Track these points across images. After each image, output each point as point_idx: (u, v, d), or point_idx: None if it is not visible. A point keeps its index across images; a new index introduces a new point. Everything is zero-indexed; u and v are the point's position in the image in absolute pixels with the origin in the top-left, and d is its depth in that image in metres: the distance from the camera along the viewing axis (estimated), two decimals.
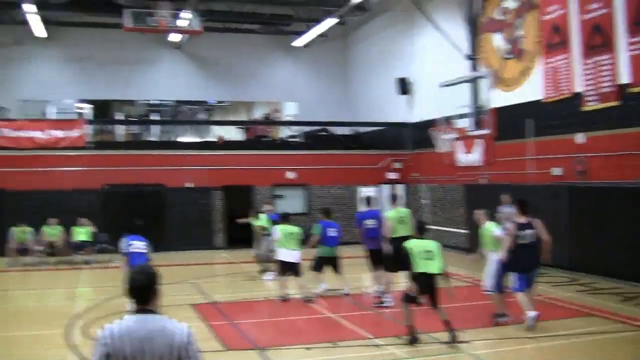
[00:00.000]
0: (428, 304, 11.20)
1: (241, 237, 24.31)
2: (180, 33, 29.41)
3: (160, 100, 34.73)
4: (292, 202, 28.09)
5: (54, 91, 30.51)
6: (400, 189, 27.94)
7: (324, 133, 32.02)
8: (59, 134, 26.09)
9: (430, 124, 25.20)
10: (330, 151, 29.17)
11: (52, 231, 23.48)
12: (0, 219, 24.15)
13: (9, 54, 31.14)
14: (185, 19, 26.30)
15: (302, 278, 15.64)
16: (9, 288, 18.88)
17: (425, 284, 11.06)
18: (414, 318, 11.21)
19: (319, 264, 15.87)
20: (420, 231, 11.66)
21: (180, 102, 35.99)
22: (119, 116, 33.36)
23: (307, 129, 32.18)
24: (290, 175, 28.34)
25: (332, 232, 15.76)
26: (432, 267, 11.08)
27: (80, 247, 23.43)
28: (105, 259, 23.32)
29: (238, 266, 20.54)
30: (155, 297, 4.50)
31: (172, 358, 4.34)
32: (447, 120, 24.26)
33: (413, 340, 11.07)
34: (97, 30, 31.43)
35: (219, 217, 27.40)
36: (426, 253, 11.12)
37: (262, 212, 19.72)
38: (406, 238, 12.45)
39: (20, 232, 23.17)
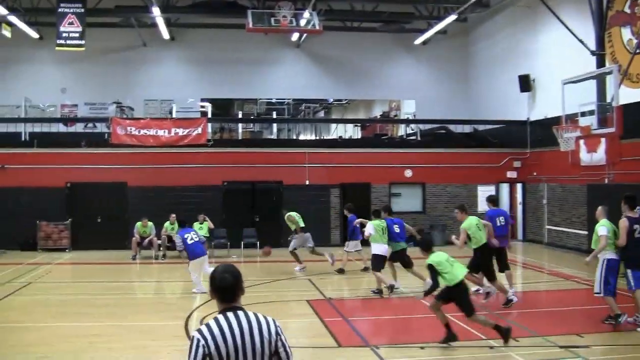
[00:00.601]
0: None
1: None
2: (301, 32, 29.66)
3: (280, 99, 35.14)
4: (409, 200, 27.91)
5: (178, 91, 31.36)
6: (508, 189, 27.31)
7: (443, 131, 31.61)
8: (181, 132, 26.77)
9: (552, 121, 24.42)
10: (448, 149, 28.75)
11: (172, 226, 24.12)
12: (124, 213, 25.00)
13: (137, 55, 32.39)
14: (306, 18, 26.48)
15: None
16: (131, 279, 19.50)
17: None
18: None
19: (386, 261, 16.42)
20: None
21: (299, 101, 36.29)
22: (239, 114, 33.94)
23: (425, 126, 31.82)
24: (407, 173, 28.13)
25: (396, 228, 16.39)
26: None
27: None
28: (223, 254, 23.81)
29: (354, 263, 20.51)
30: (241, 293, 4.54)
31: (268, 352, 4.40)
32: (570, 118, 23.46)
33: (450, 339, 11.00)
34: (219, 31, 32.14)
35: (335, 215, 27.47)
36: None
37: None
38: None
39: (142, 227, 24.03)
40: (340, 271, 19.59)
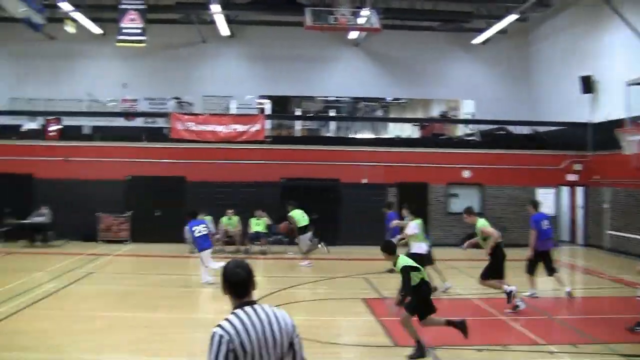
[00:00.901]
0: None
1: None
2: (360, 31, 29.54)
3: (338, 97, 35.12)
4: (466, 201, 27.58)
5: (236, 87, 31.59)
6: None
7: (502, 132, 31.22)
8: (239, 128, 26.97)
9: (615, 124, 24.01)
10: (507, 150, 28.38)
11: (230, 221, 24.33)
12: (182, 207, 25.27)
13: (196, 52, 32.72)
14: (364, 16, 26.40)
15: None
16: (188, 273, 19.66)
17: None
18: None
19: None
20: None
21: (357, 99, 36.21)
22: (297, 112, 34.03)
23: (484, 127, 31.47)
24: (465, 174, 27.90)
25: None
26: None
27: (256, 237, 24.13)
28: (280, 250, 23.91)
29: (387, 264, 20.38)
30: (254, 288, 4.62)
31: (286, 344, 4.48)
32: (635, 120, 22.99)
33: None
34: (278, 28, 32.26)
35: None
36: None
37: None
38: None
39: (228, 220, 24.48)
40: (391, 271, 19.44)
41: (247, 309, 4.49)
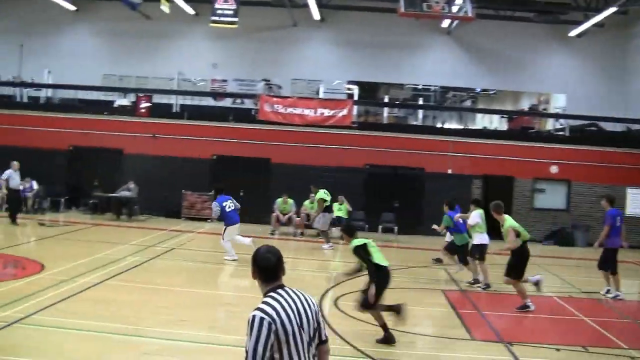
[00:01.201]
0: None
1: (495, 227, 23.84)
2: (453, 19, 29.15)
3: (426, 85, 34.81)
4: (552, 197, 27.17)
5: (325, 71, 31.63)
6: None
7: (593, 128, 30.44)
8: (327, 112, 27.04)
9: None
10: (597, 147, 27.65)
11: (312, 205, 24.40)
12: (266, 189, 25.46)
13: (287, 35, 32.81)
14: (458, 4, 26.04)
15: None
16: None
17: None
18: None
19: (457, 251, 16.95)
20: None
21: (445, 88, 35.82)
22: (385, 99, 33.86)
23: (574, 122, 30.70)
24: (553, 169, 27.33)
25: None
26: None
27: (337, 222, 24.12)
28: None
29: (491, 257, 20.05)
30: (283, 273, 4.76)
31: (315, 324, 4.69)
32: None
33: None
34: (369, 14, 32.03)
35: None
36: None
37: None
38: None
39: (283, 203, 24.48)
40: (438, 260, 19.18)
41: (281, 291, 4.65)
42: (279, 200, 24.67)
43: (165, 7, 28.31)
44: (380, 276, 10.42)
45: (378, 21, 31.84)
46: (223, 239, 17.81)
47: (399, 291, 14.00)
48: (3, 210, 24.37)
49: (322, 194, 22.14)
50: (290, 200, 24.69)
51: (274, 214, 24.43)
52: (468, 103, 39.07)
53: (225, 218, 17.85)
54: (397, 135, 27.73)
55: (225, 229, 17.83)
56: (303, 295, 4.72)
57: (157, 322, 10.84)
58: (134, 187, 25.92)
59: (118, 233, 21.92)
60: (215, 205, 18.03)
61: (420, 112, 33.20)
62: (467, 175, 27.04)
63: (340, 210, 24.19)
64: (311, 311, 4.66)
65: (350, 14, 32.59)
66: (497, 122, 34.24)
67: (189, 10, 30.99)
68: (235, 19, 26.78)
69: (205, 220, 26.07)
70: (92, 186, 26.33)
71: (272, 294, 4.62)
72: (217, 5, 26.74)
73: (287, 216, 24.55)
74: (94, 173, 26.85)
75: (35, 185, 26.20)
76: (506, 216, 14.02)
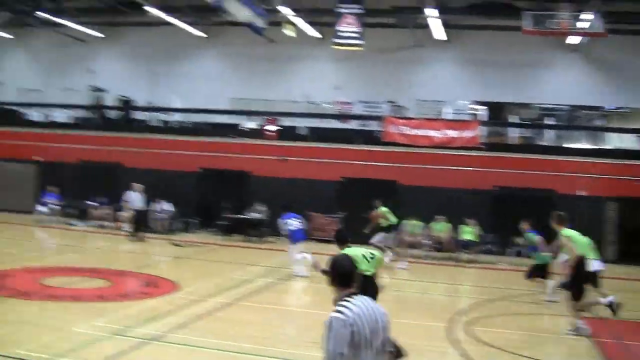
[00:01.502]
0: None
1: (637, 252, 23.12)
2: (582, 36, 28.21)
3: (554, 104, 33.88)
4: None
5: (450, 92, 31.19)
6: None
7: None
8: (453, 133, 26.78)
9: None
10: None
11: (439, 227, 24.10)
12: (395, 211, 25.19)
13: (409, 55, 32.51)
14: (587, 20, 25.25)
15: None
16: (396, 277, 19.60)
17: None
18: None
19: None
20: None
21: (575, 107, 34.77)
22: (512, 119, 33.15)
23: None
24: None
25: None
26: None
27: (466, 245, 23.74)
28: (490, 260, 23.36)
29: (629, 283, 19.22)
30: (357, 280, 5.00)
31: (384, 333, 4.87)
32: None
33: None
34: (494, 33, 31.42)
35: (610, 230, 25.89)
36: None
37: None
38: None
39: (411, 226, 24.22)
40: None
41: (358, 297, 4.88)
42: (409, 223, 24.38)
43: (289, 32, 28.66)
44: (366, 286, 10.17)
45: (502, 40, 31.17)
46: (293, 255, 18.32)
47: (524, 317, 13.56)
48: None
49: (386, 211, 22.27)
50: (419, 223, 24.43)
51: (402, 237, 24.07)
52: (598, 122, 37.83)
53: (289, 235, 18.38)
54: (526, 156, 27.09)
55: (290, 246, 18.43)
56: (377, 306, 4.94)
57: (277, 341, 11.19)
58: (264, 209, 26.28)
59: (248, 254, 22.25)
60: (281, 224, 18.69)
61: (549, 132, 32.32)
62: (599, 197, 26.06)
63: (469, 233, 23.77)
64: (383, 321, 4.87)
65: (475, 33, 32.10)
66: (629, 141, 32.94)
67: (315, 33, 31.27)
68: (361, 42, 26.86)
69: (333, 242, 25.96)
70: (222, 207, 26.83)
71: (348, 299, 4.84)
72: (339, 28, 26.88)
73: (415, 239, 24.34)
74: (221, 194, 27.37)
75: (166, 206, 26.98)
76: (565, 228, 13.49)
